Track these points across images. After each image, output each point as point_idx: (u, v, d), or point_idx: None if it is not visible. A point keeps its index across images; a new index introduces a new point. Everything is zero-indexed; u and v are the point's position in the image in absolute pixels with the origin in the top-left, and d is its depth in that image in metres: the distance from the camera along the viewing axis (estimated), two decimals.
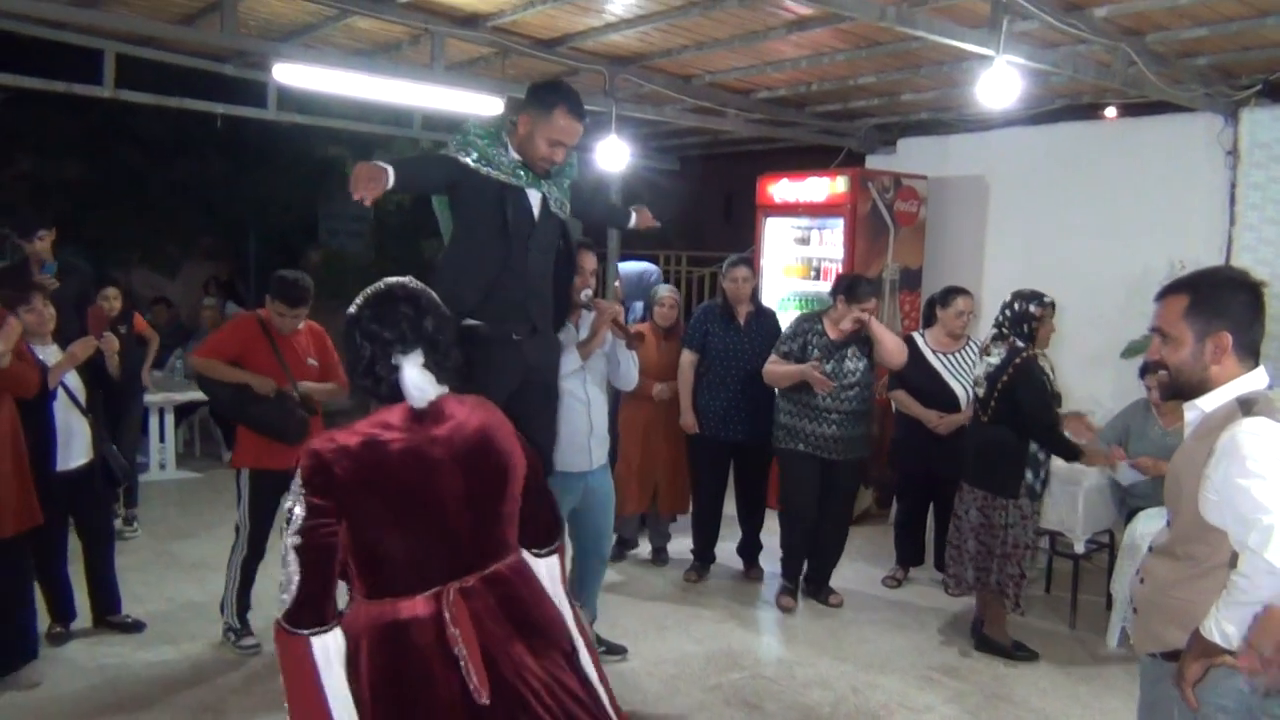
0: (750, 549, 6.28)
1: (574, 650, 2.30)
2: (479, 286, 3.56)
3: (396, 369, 2.20)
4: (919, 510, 6.20)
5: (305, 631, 2.03)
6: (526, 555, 2.36)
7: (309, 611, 2.04)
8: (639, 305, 7.05)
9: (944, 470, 5.57)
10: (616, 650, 4.84)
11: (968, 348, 5.88)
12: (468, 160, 3.50)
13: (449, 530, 2.17)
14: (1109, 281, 6.93)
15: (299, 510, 2.06)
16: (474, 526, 2.21)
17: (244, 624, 4.87)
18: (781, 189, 7.96)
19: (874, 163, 8.68)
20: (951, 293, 5.91)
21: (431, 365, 2.23)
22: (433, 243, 11.03)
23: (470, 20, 6.23)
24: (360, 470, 2.09)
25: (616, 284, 7.53)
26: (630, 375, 4.76)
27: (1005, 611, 4.98)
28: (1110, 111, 7.37)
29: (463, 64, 7.10)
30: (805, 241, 7.96)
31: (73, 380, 4.76)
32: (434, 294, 2.37)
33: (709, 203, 14.23)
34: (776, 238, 8.06)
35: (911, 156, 8.44)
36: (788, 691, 4.61)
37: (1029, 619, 5.26)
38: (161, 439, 8.41)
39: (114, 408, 5.67)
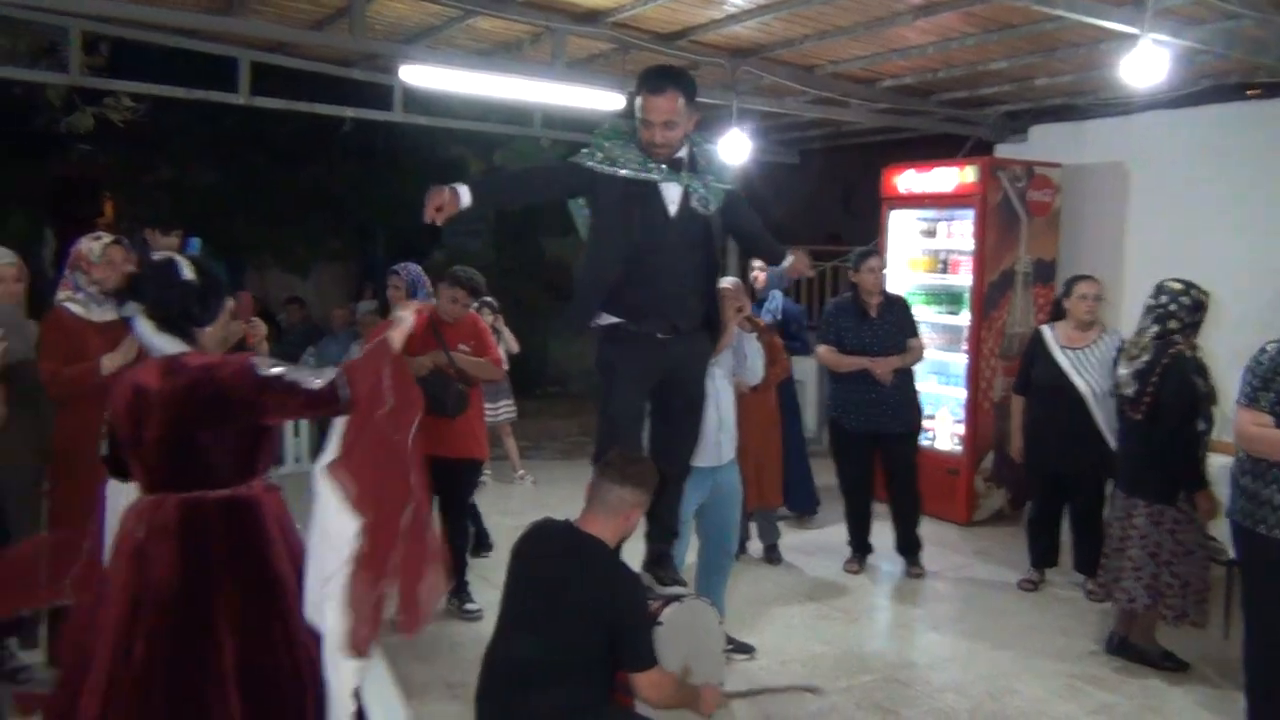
0: (908, 545, 6.13)
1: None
2: (604, 285, 3.62)
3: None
4: (1053, 510, 5.95)
5: None
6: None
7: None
8: (778, 295, 6.99)
9: (1076, 468, 5.43)
10: (744, 649, 4.77)
11: (1099, 343, 5.55)
12: (591, 163, 3.55)
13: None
14: (1259, 276, 6.50)
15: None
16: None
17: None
18: (907, 180, 7.75)
19: (1004, 151, 8.36)
20: (1074, 280, 5.68)
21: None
22: (553, 241, 11.14)
23: (590, 16, 6.23)
24: None
25: (757, 274, 7.37)
26: (756, 369, 4.70)
27: (1157, 619, 4.72)
28: (1256, 91, 6.95)
29: (583, 60, 7.11)
30: (932, 234, 7.73)
31: None
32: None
33: (828, 196, 14.02)
34: (901, 230, 7.85)
35: (1044, 144, 8.11)
36: (922, 696, 4.47)
37: (1176, 627, 4.98)
38: (296, 433, 8.65)
39: None
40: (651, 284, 3.60)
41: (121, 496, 2.78)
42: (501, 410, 7.92)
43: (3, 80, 7.94)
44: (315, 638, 2.58)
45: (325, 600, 2.56)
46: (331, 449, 2.65)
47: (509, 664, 3.08)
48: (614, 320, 3.67)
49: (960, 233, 7.44)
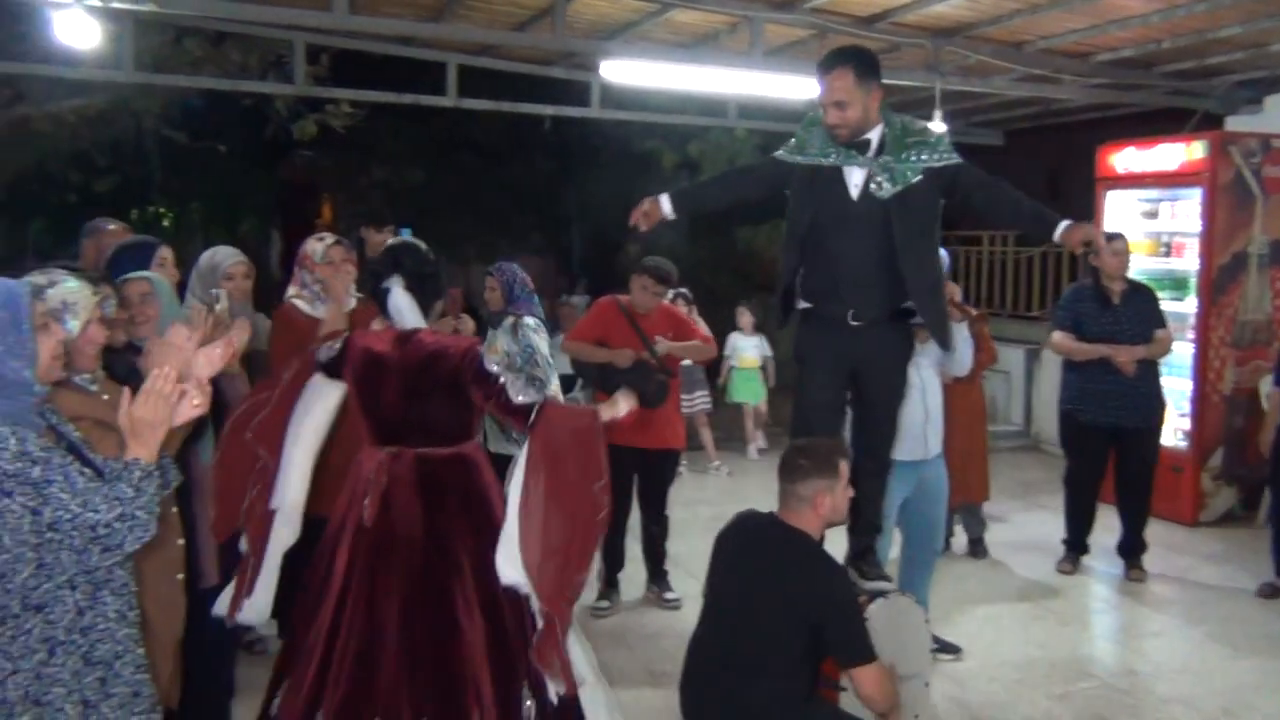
0: (1133, 547, 5.80)
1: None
2: (789, 268, 3.63)
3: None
4: None
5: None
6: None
7: None
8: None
9: None
10: (951, 649, 4.61)
11: None
12: (783, 154, 3.57)
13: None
14: None
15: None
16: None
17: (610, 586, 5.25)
18: (1126, 159, 7.30)
19: (1235, 124, 7.76)
20: None
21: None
22: (748, 232, 11.10)
23: (788, 3, 6.18)
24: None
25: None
26: (964, 359, 4.53)
27: None
28: None
29: (780, 48, 7.04)
30: (1153, 215, 7.26)
31: None
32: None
33: (1033, 178, 13.37)
34: (1119, 212, 7.40)
35: None
36: (1146, 706, 4.21)
37: None
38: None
39: None
40: (831, 268, 3.53)
41: (318, 392, 3.16)
42: (697, 401, 7.96)
43: (237, 93, 8.57)
44: None
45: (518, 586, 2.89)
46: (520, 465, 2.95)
47: (713, 655, 3.09)
48: (805, 305, 3.66)
49: (1185, 213, 6.96)
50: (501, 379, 2.91)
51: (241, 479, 3.12)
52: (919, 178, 3.42)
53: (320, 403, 3.18)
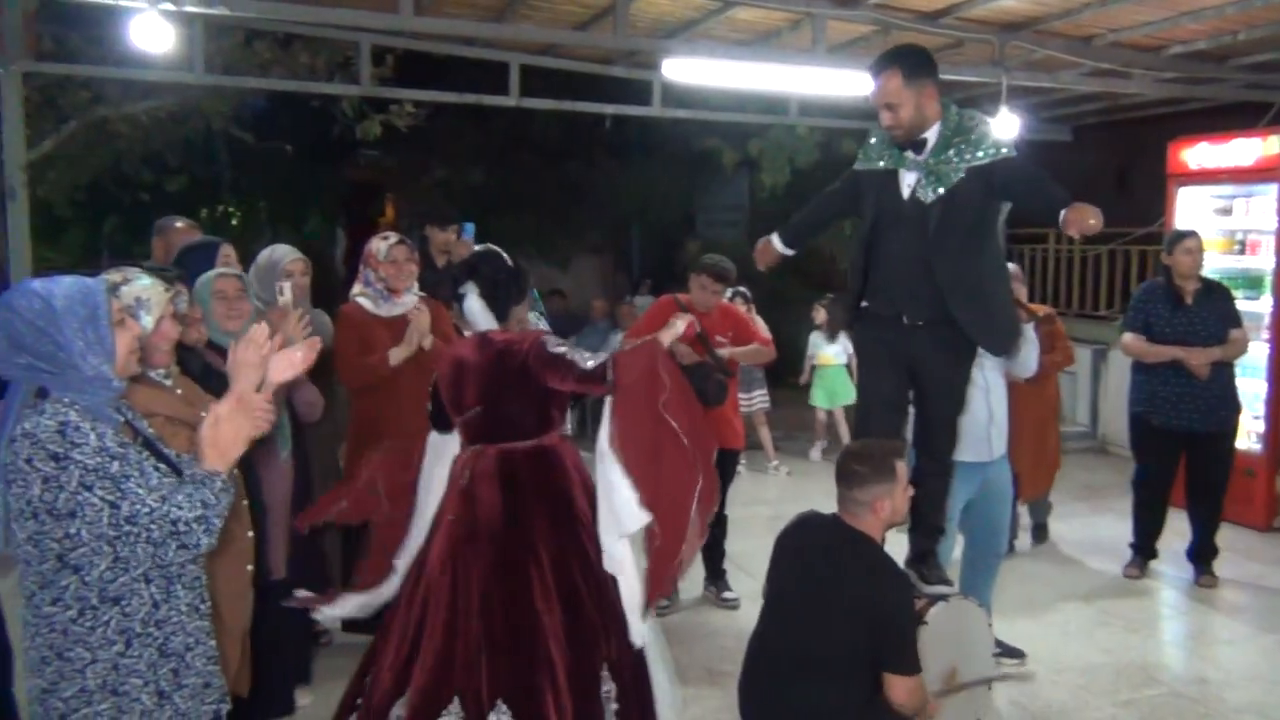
0: (1204, 553, 5.67)
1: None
2: (855, 270, 3.66)
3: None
4: None
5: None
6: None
7: None
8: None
9: None
10: (1014, 654, 4.54)
11: None
12: (857, 164, 3.65)
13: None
14: None
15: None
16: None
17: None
18: (1199, 154, 7.13)
19: None
20: None
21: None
22: None
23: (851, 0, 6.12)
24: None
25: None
26: (1029, 361, 4.43)
27: None
28: None
29: (843, 45, 6.99)
30: (1227, 212, 7.07)
31: None
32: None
33: (1101, 175, 13.13)
34: (1191, 209, 7.23)
35: None
36: (1216, 715, 4.11)
37: None
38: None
39: None
40: (884, 269, 3.56)
41: (441, 446, 3.36)
42: (756, 400, 7.94)
43: (305, 94, 8.72)
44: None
45: (622, 564, 3.05)
46: (605, 428, 3.07)
47: (773, 656, 3.08)
48: (864, 304, 3.68)
49: (1260, 210, 6.77)
50: (568, 355, 3.06)
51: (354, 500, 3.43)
52: (961, 176, 3.36)
53: (442, 459, 3.35)
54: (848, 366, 8.26)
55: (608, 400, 3.06)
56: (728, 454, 5.28)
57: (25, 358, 1.98)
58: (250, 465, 3.41)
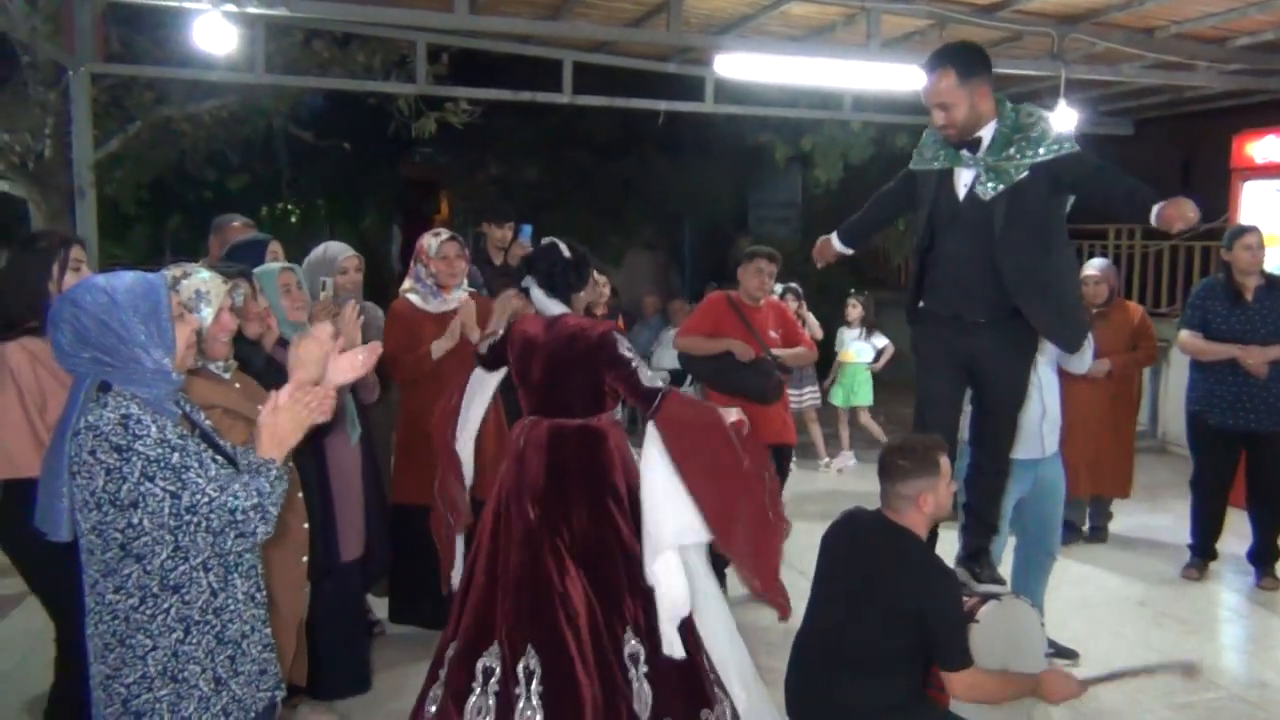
0: (1265, 554, 5.55)
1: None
2: (914, 270, 3.68)
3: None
4: None
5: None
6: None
7: None
8: None
9: None
10: (1067, 654, 4.49)
11: None
12: (912, 164, 3.65)
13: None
14: None
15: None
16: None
17: None
18: (1265, 148, 7.00)
19: None
20: None
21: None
22: None
23: None
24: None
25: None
26: (1085, 357, 4.37)
27: None
28: None
29: (898, 39, 6.93)
30: None
31: None
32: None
33: (1163, 169, 12.88)
34: (1257, 204, 7.08)
35: None
36: None
37: None
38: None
39: None
40: (941, 268, 3.55)
41: (479, 383, 3.76)
42: (806, 397, 7.90)
43: (362, 92, 8.85)
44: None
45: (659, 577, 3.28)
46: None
47: (820, 653, 3.08)
48: (922, 303, 3.68)
49: None
50: (634, 363, 3.31)
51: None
52: (1025, 174, 3.31)
53: (480, 394, 3.75)
54: (869, 365, 8.12)
55: (652, 425, 3.30)
56: (780, 450, 5.27)
57: (90, 351, 2.04)
58: (321, 451, 3.61)
